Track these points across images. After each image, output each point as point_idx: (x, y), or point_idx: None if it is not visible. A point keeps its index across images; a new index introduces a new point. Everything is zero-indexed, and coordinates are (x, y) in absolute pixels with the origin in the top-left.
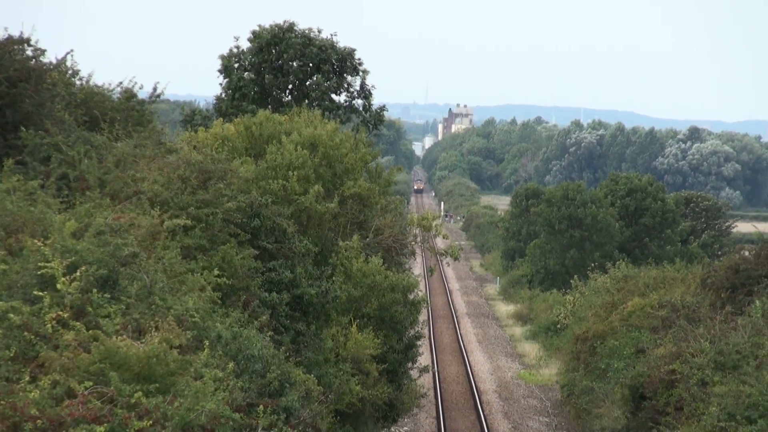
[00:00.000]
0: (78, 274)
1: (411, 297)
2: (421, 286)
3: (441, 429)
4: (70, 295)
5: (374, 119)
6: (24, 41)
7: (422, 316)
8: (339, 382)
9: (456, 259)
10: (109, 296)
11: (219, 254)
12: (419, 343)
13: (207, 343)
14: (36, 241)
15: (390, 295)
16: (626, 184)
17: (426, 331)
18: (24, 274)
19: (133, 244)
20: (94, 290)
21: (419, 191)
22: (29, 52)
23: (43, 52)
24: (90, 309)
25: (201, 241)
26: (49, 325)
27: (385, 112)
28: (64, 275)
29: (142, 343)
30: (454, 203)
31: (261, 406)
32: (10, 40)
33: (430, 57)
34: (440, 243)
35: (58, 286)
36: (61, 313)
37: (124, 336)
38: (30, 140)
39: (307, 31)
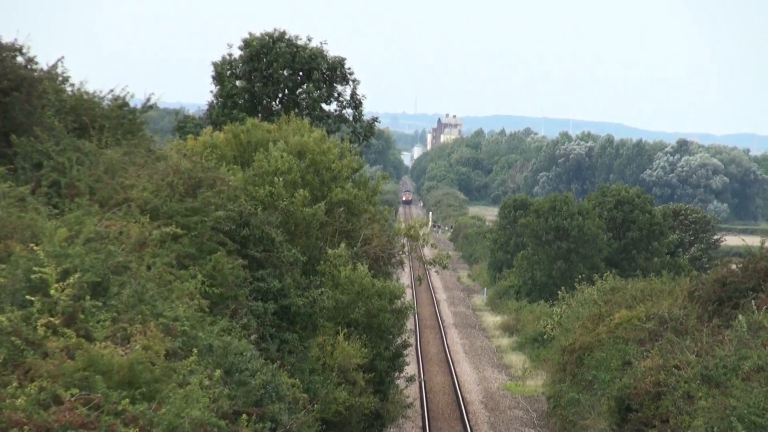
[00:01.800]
0: (71, 280)
1: (398, 304)
2: (409, 295)
3: None
4: (63, 301)
5: (365, 130)
6: (17, 50)
7: (409, 326)
8: (325, 391)
9: (444, 267)
10: (100, 303)
11: (210, 263)
12: (406, 352)
13: (195, 351)
14: (31, 245)
15: (377, 302)
16: (614, 196)
17: (413, 340)
18: (13, 280)
19: (124, 252)
20: (87, 297)
21: (407, 202)
22: (21, 61)
23: (35, 60)
24: (81, 316)
25: (190, 249)
26: (40, 331)
27: (377, 124)
28: (57, 281)
29: (126, 349)
30: (443, 213)
31: (244, 415)
32: (3, 48)
33: (419, 67)
34: (428, 253)
35: (51, 291)
36: (52, 319)
37: (109, 343)
38: (21, 147)
39: (297, 40)
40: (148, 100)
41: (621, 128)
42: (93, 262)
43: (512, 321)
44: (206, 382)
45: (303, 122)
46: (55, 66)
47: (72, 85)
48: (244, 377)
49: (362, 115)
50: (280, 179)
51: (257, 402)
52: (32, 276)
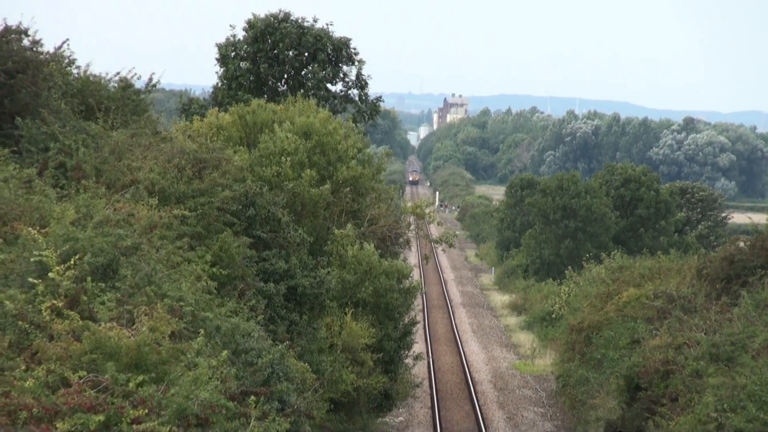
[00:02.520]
0: (72, 262)
1: (406, 283)
2: (416, 275)
3: (436, 419)
4: (65, 283)
5: (370, 110)
6: (22, 32)
7: (417, 306)
8: (332, 371)
9: (451, 245)
10: (104, 285)
11: (216, 243)
12: (414, 330)
13: (202, 332)
14: (31, 229)
15: (385, 281)
16: (621, 174)
17: (421, 319)
18: (20, 263)
19: (134, 235)
20: (89, 279)
21: (415, 182)
22: (27, 43)
23: (40, 43)
24: (84, 298)
25: (197, 229)
26: (45, 314)
27: (381, 103)
28: (58, 264)
29: (132, 331)
30: (450, 193)
31: (252, 396)
32: (7, 30)
33: (425, 47)
34: (435, 231)
35: (51, 274)
36: (55, 302)
37: (115, 324)
38: (27, 130)
39: (302, 21)
40: (151, 80)
41: (627, 106)
42: (103, 245)
43: (520, 300)
44: (213, 363)
45: (309, 103)
46: (60, 48)
47: (78, 67)
48: (251, 357)
49: (368, 95)
50: (287, 160)
51: (265, 382)
52: (32, 259)
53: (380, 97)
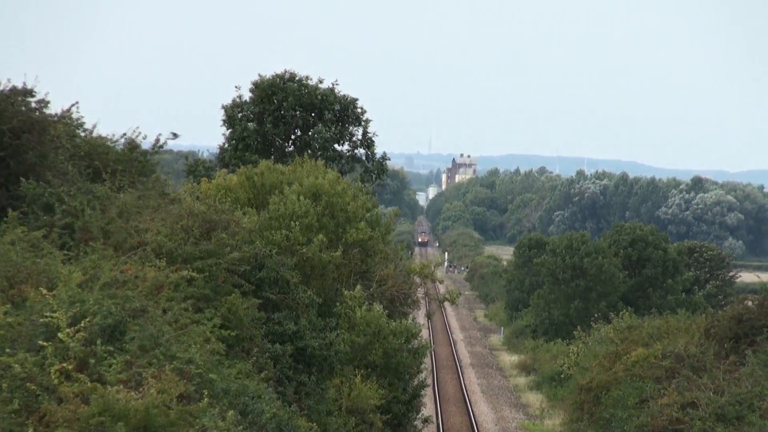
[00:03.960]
0: (82, 324)
1: (414, 343)
2: (425, 335)
3: None
4: (74, 346)
5: (377, 168)
6: (27, 92)
7: (426, 366)
8: (341, 431)
9: (453, 303)
10: (113, 348)
11: (225, 305)
12: (423, 392)
13: (206, 393)
14: (42, 290)
15: (393, 341)
16: (629, 234)
17: (430, 381)
18: (28, 325)
19: (141, 296)
20: (98, 341)
21: (424, 244)
22: (33, 104)
23: (47, 103)
24: (92, 360)
25: (205, 291)
26: (54, 377)
27: (387, 161)
28: (68, 326)
29: (140, 393)
30: (458, 253)
31: None
32: (14, 91)
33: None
34: (443, 290)
35: (60, 335)
36: (65, 364)
37: (122, 387)
38: (30, 190)
39: (307, 80)
40: (158, 140)
41: (635, 166)
42: (110, 307)
43: (529, 360)
44: (221, 424)
45: (317, 164)
46: (68, 110)
47: (86, 130)
48: (259, 419)
49: (375, 154)
50: (296, 224)
51: None
52: (41, 320)
53: (384, 153)
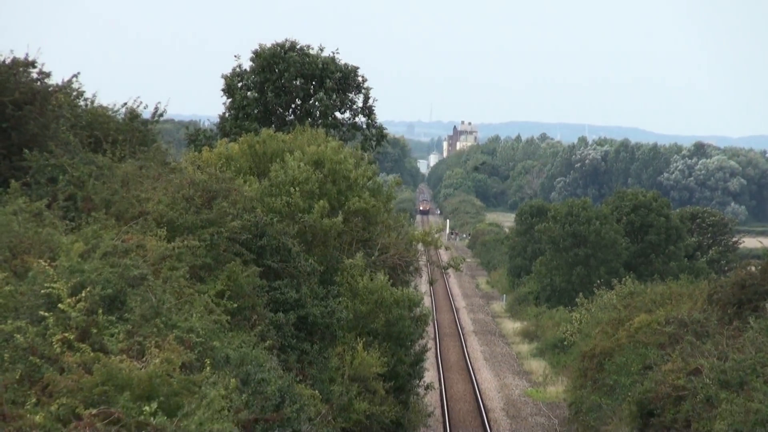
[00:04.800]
0: (83, 294)
1: (416, 311)
2: (427, 303)
3: None
4: (76, 316)
5: (376, 136)
6: (29, 63)
7: (429, 333)
8: (344, 399)
9: (458, 269)
10: (114, 317)
11: (225, 273)
12: (425, 357)
13: (208, 362)
14: (42, 261)
15: (396, 310)
16: (632, 200)
17: (432, 346)
18: (30, 296)
19: (142, 265)
20: (100, 311)
21: (425, 212)
22: (34, 75)
23: (48, 74)
24: (95, 330)
25: (206, 260)
26: (56, 347)
27: (386, 130)
28: (69, 296)
29: (143, 363)
30: (460, 221)
31: (260, 423)
32: (15, 62)
33: (434, 75)
34: (444, 256)
35: (62, 306)
36: (66, 334)
37: (125, 357)
38: (35, 161)
39: (308, 50)
40: (157, 109)
41: (637, 132)
42: (109, 276)
43: (532, 327)
44: (222, 392)
45: (319, 132)
46: (70, 81)
47: (86, 99)
48: (260, 386)
49: (375, 123)
50: (297, 190)
51: (275, 408)
52: (42, 291)
53: (381, 125)
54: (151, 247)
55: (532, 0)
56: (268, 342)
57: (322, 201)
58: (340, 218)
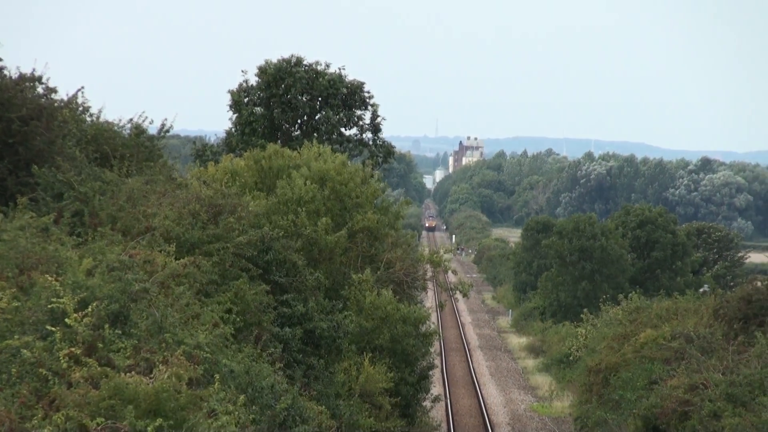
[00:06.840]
0: (90, 309)
1: (423, 329)
2: (433, 318)
3: None
4: (82, 330)
5: (383, 153)
6: (36, 79)
7: (434, 349)
8: (350, 414)
9: (465, 295)
10: (120, 332)
11: (231, 290)
12: (431, 374)
13: (217, 377)
14: (48, 277)
15: (402, 327)
16: (638, 215)
17: (438, 362)
18: (36, 311)
19: (145, 279)
20: (106, 326)
21: (431, 228)
22: (41, 90)
23: (54, 90)
24: (101, 345)
25: (212, 276)
26: (63, 362)
27: (393, 148)
28: (75, 311)
29: (151, 378)
30: (466, 236)
31: None
32: (22, 78)
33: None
34: (452, 277)
35: (68, 321)
36: (73, 349)
37: (133, 372)
38: (43, 177)
39: (315, 66)
40: (164, 125)
41: (643, 147)
42: (111, 291)
43: (537, 342)
44: (230, 408)
45: (325, 148)
46: (75, 96)
47: (92, 114)
48: (267, 401)
49: (381, 139)
50: (303, 209)
51: (281, 424)
52: (49, 306)
53: (389, 142)
54: (160, 263)
55: (541, 18)
56: (274, 357)
57: (325, 219)
58: (343, 232)
